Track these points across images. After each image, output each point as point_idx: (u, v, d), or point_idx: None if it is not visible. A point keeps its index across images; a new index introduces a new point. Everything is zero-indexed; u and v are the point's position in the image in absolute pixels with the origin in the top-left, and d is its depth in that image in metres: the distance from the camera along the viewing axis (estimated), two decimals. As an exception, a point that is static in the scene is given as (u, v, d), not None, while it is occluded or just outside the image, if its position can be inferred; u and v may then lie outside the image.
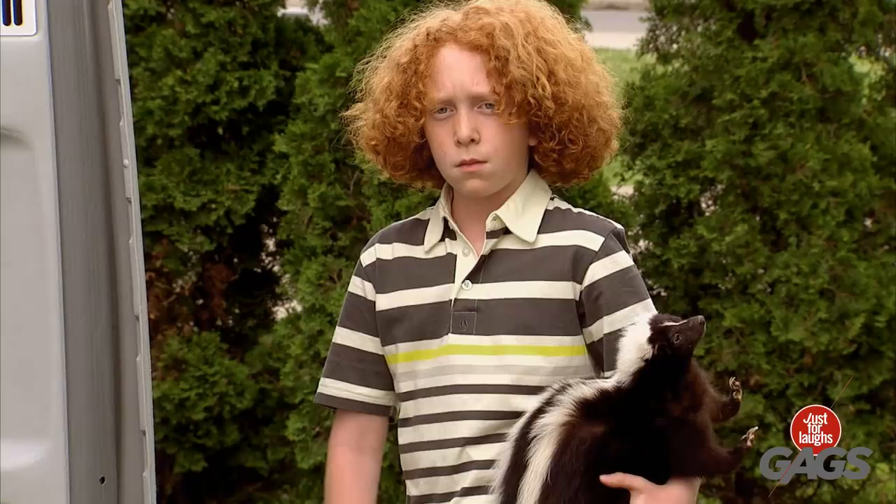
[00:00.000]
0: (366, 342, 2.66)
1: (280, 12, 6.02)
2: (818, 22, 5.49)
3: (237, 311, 6.20)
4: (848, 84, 5.53)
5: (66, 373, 2.75)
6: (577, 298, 2.51)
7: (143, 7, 5.64)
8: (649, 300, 2.56)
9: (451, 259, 2.58)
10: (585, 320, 2.48)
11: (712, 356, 5.54)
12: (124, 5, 3.01)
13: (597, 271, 2.50)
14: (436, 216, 2.60)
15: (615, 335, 2.46)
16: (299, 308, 5.77)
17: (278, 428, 5.83)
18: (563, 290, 2.53)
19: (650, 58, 5.95)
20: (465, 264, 2.56)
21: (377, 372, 2.64)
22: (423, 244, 2.62)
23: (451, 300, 2.54)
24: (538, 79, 2.46)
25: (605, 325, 2.50)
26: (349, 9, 5.57)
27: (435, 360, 2.57)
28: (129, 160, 2.86)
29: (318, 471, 5.71)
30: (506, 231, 2.52)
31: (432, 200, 2.69)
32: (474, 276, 2.54)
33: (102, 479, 2.92)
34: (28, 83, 2.70)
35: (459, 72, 2.51)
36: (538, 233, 2.55)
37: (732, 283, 5.63)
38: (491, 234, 2.52)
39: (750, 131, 5.48)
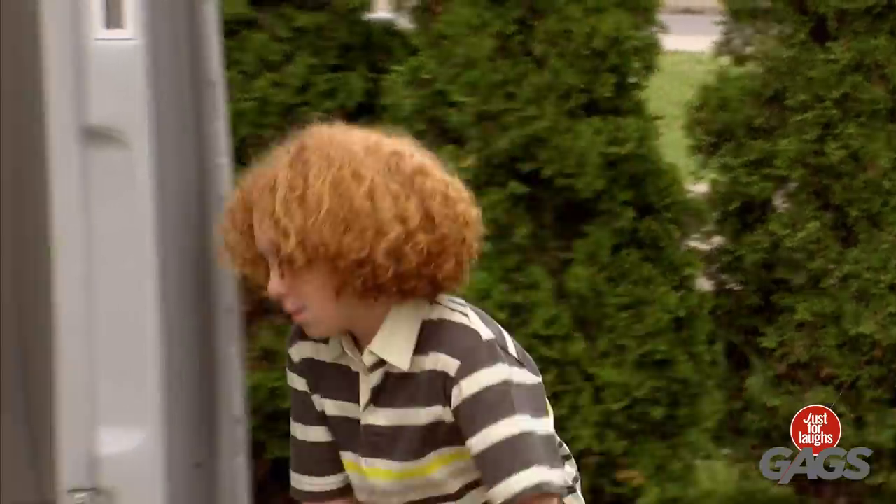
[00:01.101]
0: (313, 432, 2.43)
1: (368, 16, 6.03)
2: (889, 25, 5.44)
3: (327, 302, 6.21)
4: (918, 85, 5.49)
5: (163, 363, 2.78)
6: (453, 420, 2.23)
7: (237, 12, 5.68)
8: (516, 415, 2.19)
9: (355, 376, 2.30)
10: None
11: (784, 349, 5.54)
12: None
13: (458, 395, 2.20)
14: None
15: (480, 458, 2.19)
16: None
17: (365, 415, 5.82)
18: (444, 413, 2.23)
19: (724, 60, 5.92)
20: (366, 386, 2.29)
21: (332, 459, 2.41)
22: (329, 348, 2.35)
23: (359, 422, 2.31)
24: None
25: (472, 447, 2.20)
26: (434, 13, 5.57)
27: (354, 473, 2.37)
28: (224, 158, 2.89)
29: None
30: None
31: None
32: (376, 400, 2.28)
33: (198, 465, 2.95)
34: (127, 85, 2.72)
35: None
36: (415, 354, 2.22)
37: (804, 277, 5.59)
38: (373, 367, 2.25)
39: (822, 131, 5.46)
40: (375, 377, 2.24)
